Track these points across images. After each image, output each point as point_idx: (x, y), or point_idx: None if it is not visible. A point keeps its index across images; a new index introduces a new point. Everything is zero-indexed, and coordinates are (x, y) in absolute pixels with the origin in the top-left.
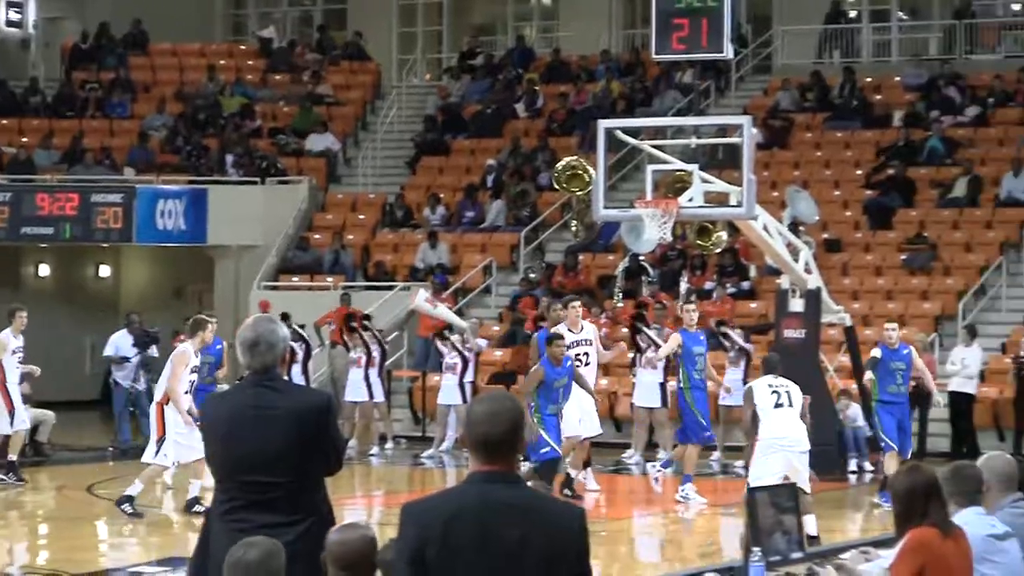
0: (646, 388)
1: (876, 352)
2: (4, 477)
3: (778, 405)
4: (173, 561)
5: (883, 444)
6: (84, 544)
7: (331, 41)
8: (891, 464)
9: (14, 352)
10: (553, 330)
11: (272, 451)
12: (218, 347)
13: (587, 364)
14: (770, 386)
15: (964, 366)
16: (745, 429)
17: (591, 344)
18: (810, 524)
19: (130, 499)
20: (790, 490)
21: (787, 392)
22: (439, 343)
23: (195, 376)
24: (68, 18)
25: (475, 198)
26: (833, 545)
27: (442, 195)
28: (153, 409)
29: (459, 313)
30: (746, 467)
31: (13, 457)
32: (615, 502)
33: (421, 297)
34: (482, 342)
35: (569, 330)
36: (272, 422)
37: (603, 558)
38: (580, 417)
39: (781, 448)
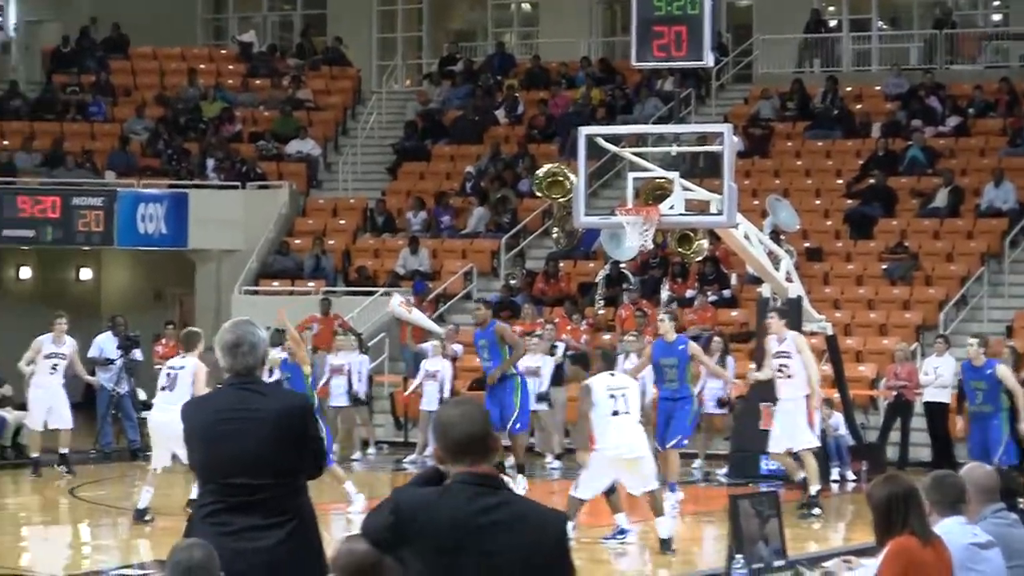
0: None
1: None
2: (60, 468)
3: (615, 412)
4: (156, 564)
5: None
6: (67, 546)
7: (311, 46)
8: None
9: (47, 357)
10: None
11: (254, 453)
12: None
13: (789, 376)
14: (608, 388)
15: (937, 376)
16: (580, 429)
17: (790, 356)
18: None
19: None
20: (771, 498)
21: (623, 396)
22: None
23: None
24: (49, 21)
25: (447, 203)
26: (816, 553)
27: (424, 200)
28: None
29: (439, 319)
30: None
31: (64, 450)
32: (595, 511)
33: (395, 302)
34: (458, 347)
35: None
36: (254, 424)
37: (585, 565)
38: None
39: (615, 459)
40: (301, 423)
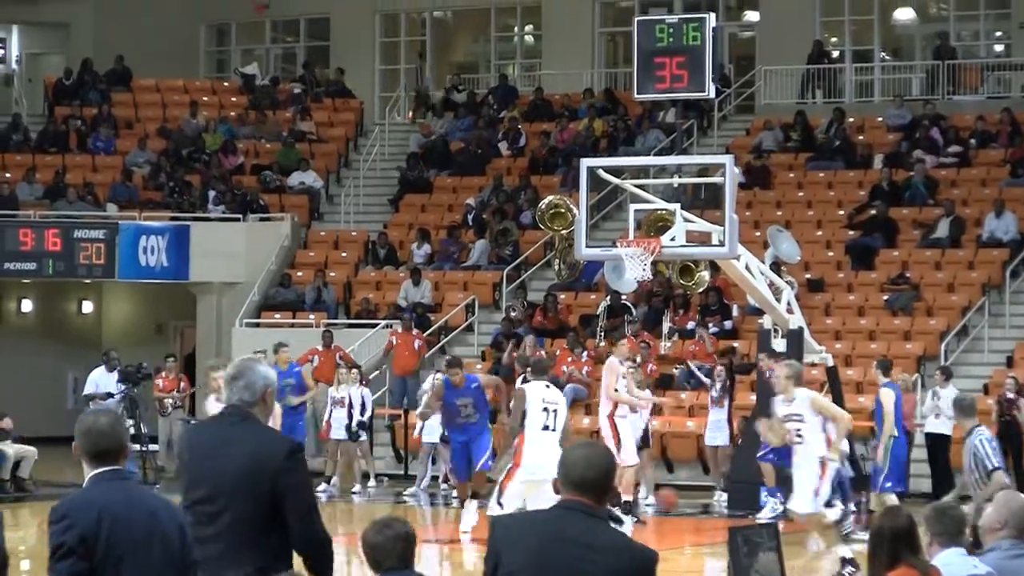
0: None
1: None
2: None
3: (545, 427)
4: None
5: None
6: None
7: (314, 78)
8: None
9: None
10: None
11: (225, 485)
12: (296, 370)
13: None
14: (543, 401)
15: (939, 407)
16: (512, 429)
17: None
18: None
19: None
20: (771, 529)
21: (555, 412)
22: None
23: None
24: (51, 53)
25: (457, 236)
26: None
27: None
28: None
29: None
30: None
31: None
32: None
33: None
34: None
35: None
36: (229, 458)
37: None
38: None
39: (538, 479)
40: (278, 466)
